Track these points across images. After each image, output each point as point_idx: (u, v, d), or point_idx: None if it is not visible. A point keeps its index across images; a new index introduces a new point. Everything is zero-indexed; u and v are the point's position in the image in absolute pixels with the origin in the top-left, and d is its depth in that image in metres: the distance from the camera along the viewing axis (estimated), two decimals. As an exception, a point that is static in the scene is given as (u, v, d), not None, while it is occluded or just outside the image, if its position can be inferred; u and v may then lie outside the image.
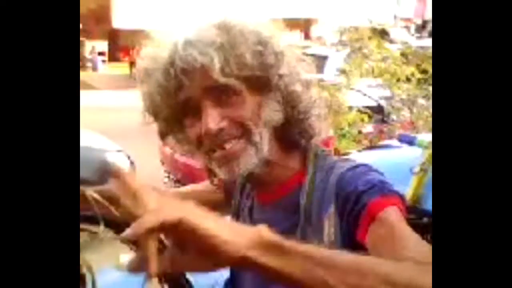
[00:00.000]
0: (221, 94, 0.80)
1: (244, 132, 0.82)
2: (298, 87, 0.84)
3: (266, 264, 0.56)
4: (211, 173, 0.91)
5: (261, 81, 0.82)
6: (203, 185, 1.09)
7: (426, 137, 1.73)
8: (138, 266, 0.57)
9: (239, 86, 0.80)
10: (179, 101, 0.81)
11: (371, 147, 2.17)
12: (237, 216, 0.98)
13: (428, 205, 1.55)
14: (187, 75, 0.78)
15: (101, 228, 1.25)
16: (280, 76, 0.83)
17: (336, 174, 0.84)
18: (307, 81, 0.87)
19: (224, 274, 1.01)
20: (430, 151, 1.61)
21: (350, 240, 0.78)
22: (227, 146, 0.81)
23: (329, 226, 0.80)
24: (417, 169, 1.59)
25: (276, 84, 0.83)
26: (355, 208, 0.78)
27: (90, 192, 0.87)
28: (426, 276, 0.56)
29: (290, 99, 0.84)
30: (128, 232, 0.54)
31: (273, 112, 0.84)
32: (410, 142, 1.77)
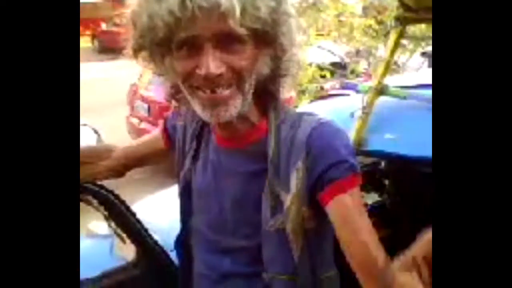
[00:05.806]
0: (226, 40, 0.81)
1: (238, 80, 0.83)
2: (289, 47, 0.89)
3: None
4: (180, 103, 0.94)
5: (265, 35, 0.85)
6: (149, 136, 1.17)
7: (367, 83, 1.81)
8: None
9: (247, 37, 0.82)
10: (182, 34, 0.80)
11: (321, 97, 2.25)
12: (183, 157, 1.04)
13: (369, 147, 1.64)
14: (202, 13, 0.77)
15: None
16: (283, 34, 0.87)
17: (304, 130, 0.88)
18: (298, 43, 0.91)
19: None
20: (371, 95, 1.69)
21: (312, 196, 0.86)
22: (218, 90, 0.83)
23: (296, 179, 0.87)
24: (358, 112, 1.67)
25: (276, 41, 0.87)
26: (325, 177, 0.84)
27: None
28: None
29: (280, 56, 0.89)
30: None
31: (265, 66, 0.88)
32: (354, 88, 1.85)
